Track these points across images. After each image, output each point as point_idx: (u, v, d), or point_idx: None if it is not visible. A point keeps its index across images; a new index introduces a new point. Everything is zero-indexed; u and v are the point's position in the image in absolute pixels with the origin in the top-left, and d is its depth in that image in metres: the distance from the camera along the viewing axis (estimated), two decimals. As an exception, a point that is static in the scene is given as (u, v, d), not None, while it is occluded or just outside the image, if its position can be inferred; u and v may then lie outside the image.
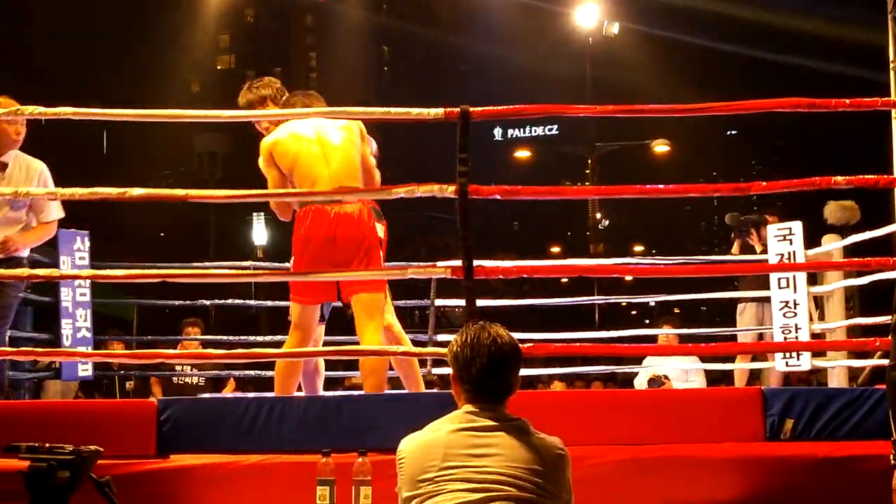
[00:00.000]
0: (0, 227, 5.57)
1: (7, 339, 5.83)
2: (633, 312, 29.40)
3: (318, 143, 5.01)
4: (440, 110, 4.47)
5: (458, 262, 4.46)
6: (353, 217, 4.93)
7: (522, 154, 33.85)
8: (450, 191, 4.41)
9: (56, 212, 5.83)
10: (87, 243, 7.75)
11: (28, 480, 2.79)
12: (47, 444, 2.88)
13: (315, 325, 5.17)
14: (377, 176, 5.23)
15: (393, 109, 4.68)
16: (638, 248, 34.23)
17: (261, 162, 5.07)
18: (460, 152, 4.40)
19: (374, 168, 5.22)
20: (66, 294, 7.68)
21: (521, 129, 41.63)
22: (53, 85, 25.16)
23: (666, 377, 8.74)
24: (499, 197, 4.59)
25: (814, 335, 7.59)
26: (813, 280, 7.68)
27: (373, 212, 5.10)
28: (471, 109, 4.43)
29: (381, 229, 5.18)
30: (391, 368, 5.28)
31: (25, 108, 4.58)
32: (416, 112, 4.56)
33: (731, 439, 4.03)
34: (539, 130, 40.87)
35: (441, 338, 8.17)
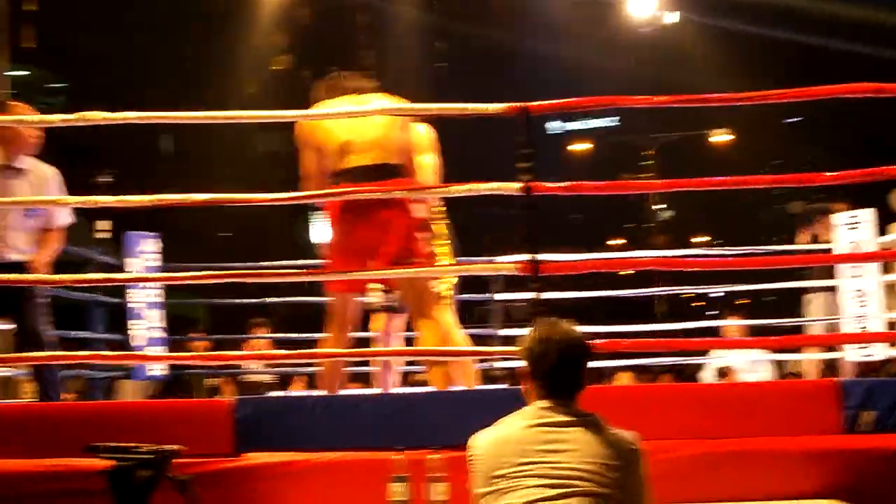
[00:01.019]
0: (18, 234, 5.59)
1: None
2: (695, 305, 29.14)
3: (357, 120, 4.97)
4: (501, 105, 4.45)
5: (523, 258, 4.45)
6: (380, 198, 4.86)
7: (581, 146, 33.68)
8: (514, 189, 4.40)
9: (67, 217, 5.80)
10: (159, 245, 7.85)
11: (111, 480, 2.83)
12: (126, 445, 2.92)
13: (353, 316, 5.12)
14: (438, 171, 5.18)
15: (452, 105, 4.66)
16: (699, 239, 33.92)
17: (296, 141, 5.05)
18: (523, 149, 4.38)
19: (434, 164, 5.17)
20: (134, 296, 7.78)
21: (580, 122, 41.40)
22: (121, 93, 25.48)
23: (730, 369, 8.67)
24: (562, 193, 4.57)
25: (889, 324, 7.48)
26: (885, 269, 7.57)
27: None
28: (530, 105, 4.41)
29: (421, 209, 5.06)
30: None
31: (90, 115, 4.62)
32: (477, 107, 4.54)
33: (808, 432, 3.97)
34: (598, 123, 40.61)
35: (503, 332, 8.17)
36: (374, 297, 5.54)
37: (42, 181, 5.63)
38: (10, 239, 5.56)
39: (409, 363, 8.33)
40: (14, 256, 5.54)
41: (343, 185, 4.87)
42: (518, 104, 4.41)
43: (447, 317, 5.34)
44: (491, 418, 3.04)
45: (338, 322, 5.02)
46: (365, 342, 6.03)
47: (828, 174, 4.50)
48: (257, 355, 7.14)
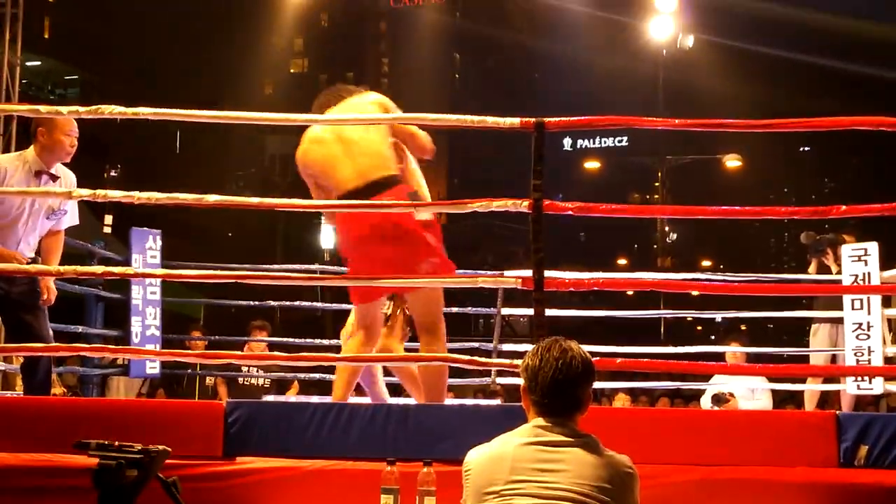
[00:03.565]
0: (36, 234, 5.68)
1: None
2: (699, 328, 29.14)
3: (339, 142, 4.96)
4: (516, 120, 4.45)
5: (528, 273, 4.43)
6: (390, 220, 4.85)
7: (592, 165, 33.72)
8: (524, 206, 4.38)
9: (75, 219, 5.91)
10: (160, 242, 7.85)
11: (97, 478, 2.80)
12: (117, 443, 2.89)
13: (378, 325, 5.14)
14: (420, 135, 5.10)
15: (468, 117, 4.65)
16: (706, 263, 33.94)
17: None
18: (535, 164, 4.36)
19: (410, 133, 5.08)
20: (136, 292, 7.78)
21: (591, 140, 41.47)
22: (134, 87, 25.54)
23: (731, 394, 8.64)
24: (572, 213, 4.54)
25: (887, 359, 7.45)
26: (887, 302, 7.55)
27: (408, 196, 4.96)
28: (546, 120, 4.40)
29: (424, 213, 4.96)
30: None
31: (105, 108, 4.61)
32: (491, 121, 4.53)
33: (803, 464, 3.94)
34: (609, 142, 40.70)
35: (505, 347, 8.15)
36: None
37: (70, 185, 5.69)
38: (30, 239, 5.67)
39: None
40: (28, 255, 5.64)
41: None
42: (533, 119, 4.39)
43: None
44: (487, 434, 3.02)
45: (365, 332, 5.03)
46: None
47: (841, 207, 4.48)
48: (254, 356, 7.11)
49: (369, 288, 4.96)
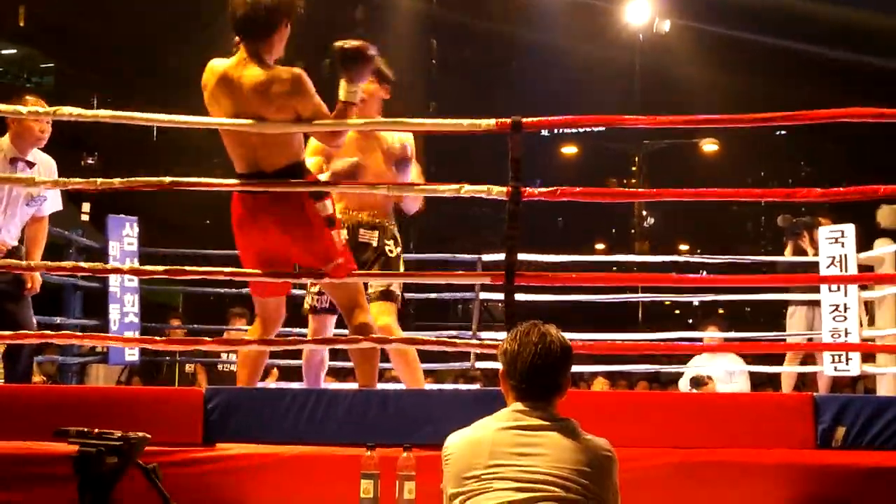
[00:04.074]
0: (15, 220, 5.72)
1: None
2: (677, 312, 29.22)
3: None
4: (492, 121, 4.42)
5: (500, 257, 4.42)
6: (271, 196, 4.54)
7: (569, 150, 33.70)
8: (497, 192, 4.39)
9: (58, 204, 5.96)
10: (136, 229, 7.83)
11: (77, 465, 2.80)
12: (96, 430, 2.89)
13: (276, 316, 4.87)
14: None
15: (444, 121, 4.64)
16: (683, 247, 34.01)
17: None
18: (513, 162, 4.37)
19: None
20: (114, 280, 7.76)
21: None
22: (110, 74, 25.38)
23: (709, 377, 8.69)
24: (550, 199, 4.55)
25: (863, 340, 7.50)
26: (863, 285, 7.60)
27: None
28: (523, 120, 4.39)
29: (327, 206, 4.59)
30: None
31: (64, 109, 4.60)
32: (467, 123, 4.49)
33: (781, 446, 3.97)
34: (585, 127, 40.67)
35: (484, 333, 8.16)
36: (308, 299, 5.41)
37: (49, 171, 5.74)
38: (10, 227, 5.70)
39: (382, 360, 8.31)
40: (11, 243, 5.71)
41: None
42: (509, 120, 4.38)
43: (386, 320, 5.18)
44: (466, 419, 3.03)
45: (261, 324, 4.83)
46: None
47: (818, 190, 4.50)
48: (226, 341, 7.09)
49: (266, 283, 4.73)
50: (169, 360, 8.94)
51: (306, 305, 5.39)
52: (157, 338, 6.07)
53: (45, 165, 5.74)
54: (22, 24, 30.53)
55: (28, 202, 5.72)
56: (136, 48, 29.23)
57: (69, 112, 4.59)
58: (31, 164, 5.67)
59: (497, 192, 4.40)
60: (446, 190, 4.62)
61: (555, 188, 4.53)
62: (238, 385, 4.92)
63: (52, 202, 5.89)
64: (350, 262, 4.66)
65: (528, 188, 4.41)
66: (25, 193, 5.66)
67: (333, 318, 5.34)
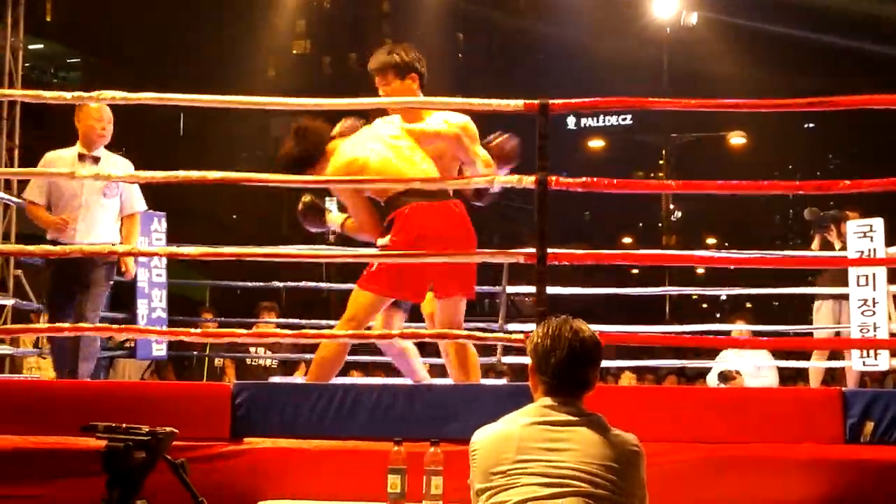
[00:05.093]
0: (97, 211, 6.32)
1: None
2: (704, 306, 29.13)
3: (390, 148, 4.93)
4: (520, 102, 4.44)
5: (532, 250, 4.43)
6: (464, 216, 4.90)
7: (596, 143, 33.63)
8: (528, 181, 4.38)
9: (141, 204, 6.60)
10: (164, 225, 7.85)
11: (105, 460, 2.81)
12: (124, 425, 2.90)
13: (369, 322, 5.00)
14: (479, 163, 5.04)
15: (473, 101, 4.65)
16: (711, 241, 33.88)
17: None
18: (540, 144, 4.37)
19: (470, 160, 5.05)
20: (142, 275, 7.78)
21: (595, 119, 41.30)
22: (137, 69, 25.49)
23: (737, 372, 8.65)
24: (579, 189, 4.54)
25: (892, 334, 7.44)
26: (893, 278, 7.52)
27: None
28: (550, 102, 4.39)
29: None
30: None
31: (106, 93, 4.61)
32: (495, 103, 4.53)
33: (809, 441, 3.95)
34: (613, 120, 40.57)
35: (510, 327, 8.15)
36: None
37: (118, 167, 6.32)
38: (91, 221, 6.31)
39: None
40: (93, 238, 6.26)
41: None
42: (536, 101, 4.39)
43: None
44: (494, 413, 3.02)
45: (359, 322, 4.86)
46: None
47: (845, 182, 4.47)
48: (254, 334, 7.10)
49: (413, 286, 4.89)
50: (197, 354, 8.97)
51: None
52: (192, 330, 6.16)
53: (111, 162, 6.31)
54: (49, 19, 30.72)
55: (105, 193, 6.29)
56: (164, 43, 29.37)
57: (111, 96, 4.65)
58: (96, 160, 6.25)
59: (527, 181, 4.40)
60: (479, 180, 4.71)
61: (583, 179, 4.52)
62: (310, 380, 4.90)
63: (136, 201, 6.52)
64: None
65: (555, 177, 4.39)
66: (102, 186, 6.23)
67: (401, 314, 5.38)
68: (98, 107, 6.18)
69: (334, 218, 5.18)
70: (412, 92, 5.08)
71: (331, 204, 5.54)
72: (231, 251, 5.00)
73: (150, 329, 7.15)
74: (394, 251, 4.75)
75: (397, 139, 4.96)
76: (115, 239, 6.42)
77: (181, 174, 4.60)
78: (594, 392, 3.00)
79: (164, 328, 7.85)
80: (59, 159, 6.26)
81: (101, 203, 6.32)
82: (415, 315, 5.58)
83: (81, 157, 6.26)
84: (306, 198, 5.24)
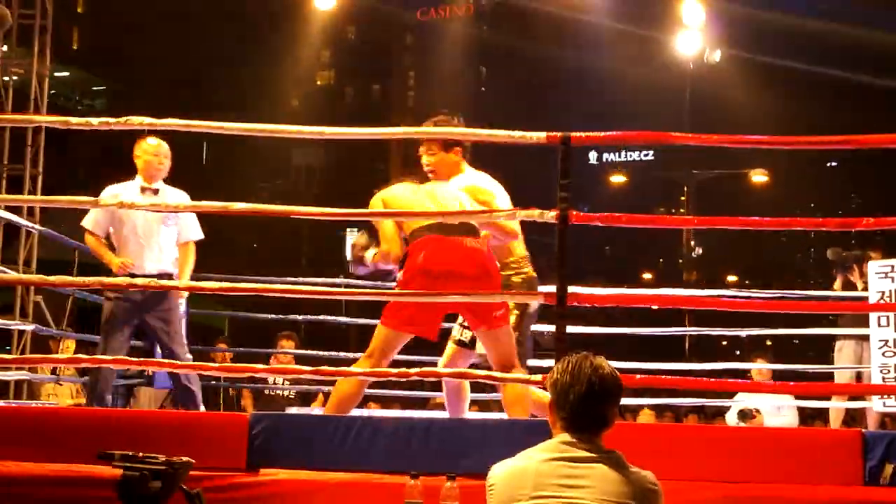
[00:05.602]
0: (159, 238, 6.56)
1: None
2: (724, 343, 28.98)
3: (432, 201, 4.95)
4: (542, 134, 4.45)
5: (552, 288, 4.42)
6: (482, 253, 4.85)
7: (618, 178, 33.65)
8: (550, 216, 4.38)
9: (197, 232, 6.77)
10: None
11: (120, 489, 2.81)
12: (141, 454, 2.90)
13: (391, 357, 4.93)
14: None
15: (496, 132, 4.67)
16: (731, 278, 33.77)
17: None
18: (562, 177, 4.37)
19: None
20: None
21: (617, 154, 41.38)
22: (161, 97, 25.67)
23: (757, 411, 8.59)
24: (599, 224, 4.54)
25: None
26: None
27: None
28: (572, 135, 4.40)
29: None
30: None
31: (134, 119, 4.64)
32: (518, 135, 4.54)
33: (828, 482, 3.92)
34: (635, 156, 40.62)
35: (531, 363, 8.11)
36: (456, 330, 5.45)
37: (174, 199, 6.52)
38: (152, 251, 6.54)
39: (433, 388, 8.28)
40: (156, 265, 6.53)
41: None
42: (559, 133, 4.39)
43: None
44: (511, 449, 3.00)
45: (378, 357, 4.83)
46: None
47: (869, 219, 4.45)
48: (279, 369, 7.11)
49: (425, 319, 4.86)
50: (214, 383, 8.96)
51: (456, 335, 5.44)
52: (211, 364, 6.19)
53: (167, 193, 6.53)
54: (75, 46, 31.00)
55: (165, 222, 6.55)
56: (188, 72, 29.57)
57: (139, 121, 4.68)
58: (155, 192, 6.51)
59: (549, 216, 4.39)
60: (500, 215, 4.81)
61: (604, 213, 4.51)
62: (329, 412, 4.87)
63: (191, 230, 6.72)
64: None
65: (576, 211, 4.39)
66: (162, 216, 6.52)
67: (470, 354, 5.37)
68: (156, 143, 6.53)
69: (368, 255, 5.12)
70: (455, 163, 5.25)
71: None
72: (251, 286, 5.00)
73: (168, 362, 7.13)
74: (412, 290, 4.76)
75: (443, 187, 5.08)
76: (174, 266, 6.66)
77: (204, 204, 4.62)
78: (613, 429, 2.98)
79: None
80: (123, 192, 6.44)
81: (161, 231, 6.57)
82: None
83: (143, 190, 6.51)
84: (361, 239, 5.11)
